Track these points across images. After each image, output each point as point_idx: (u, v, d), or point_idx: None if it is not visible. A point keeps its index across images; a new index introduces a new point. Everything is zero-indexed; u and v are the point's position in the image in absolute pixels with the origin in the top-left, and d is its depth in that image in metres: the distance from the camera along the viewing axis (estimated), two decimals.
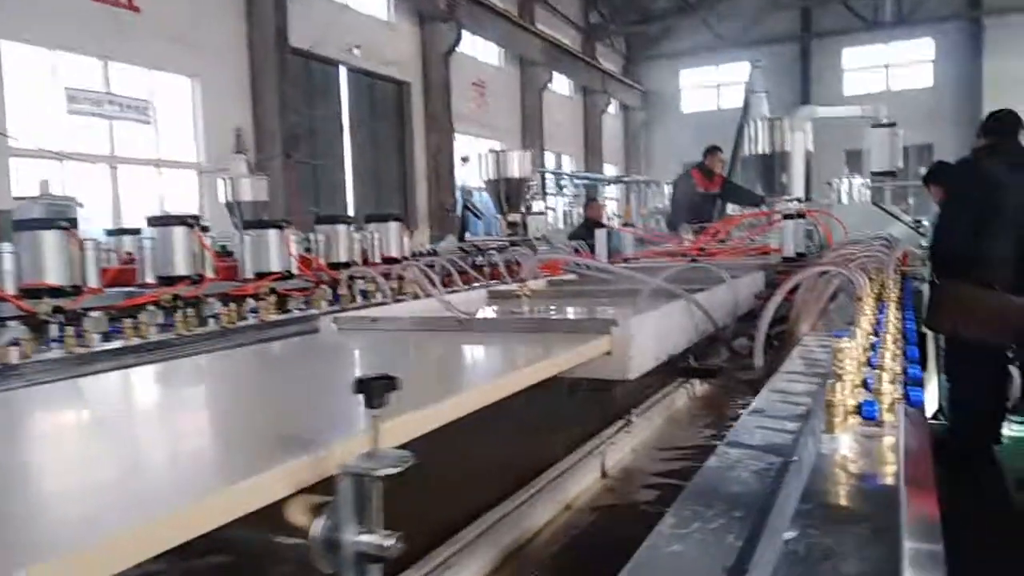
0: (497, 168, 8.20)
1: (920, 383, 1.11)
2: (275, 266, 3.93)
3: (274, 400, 1.16)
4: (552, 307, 2.29)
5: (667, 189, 10.78)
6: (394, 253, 4.92)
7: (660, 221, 12.88)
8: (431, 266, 3.59)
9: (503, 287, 2.98)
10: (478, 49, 19.82)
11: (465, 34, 17.74)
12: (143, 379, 1.47)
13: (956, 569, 0.68)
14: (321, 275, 4.24)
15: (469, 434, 1.24)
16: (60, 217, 3.24)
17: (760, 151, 6.56)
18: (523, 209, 8.54)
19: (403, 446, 0.99)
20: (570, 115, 24.79)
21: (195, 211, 12.13)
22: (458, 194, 11.37)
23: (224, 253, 4.30)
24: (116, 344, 2.30)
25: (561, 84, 24.04)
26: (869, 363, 1.17)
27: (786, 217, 3.82)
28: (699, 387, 1.93)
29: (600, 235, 4.44)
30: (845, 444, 0.87)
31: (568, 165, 24.97)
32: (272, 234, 3.92)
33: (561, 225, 17.57)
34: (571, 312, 2.32)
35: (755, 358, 1.72)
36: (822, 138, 20.53)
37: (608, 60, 26.61)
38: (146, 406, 1.21)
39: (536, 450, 1.37)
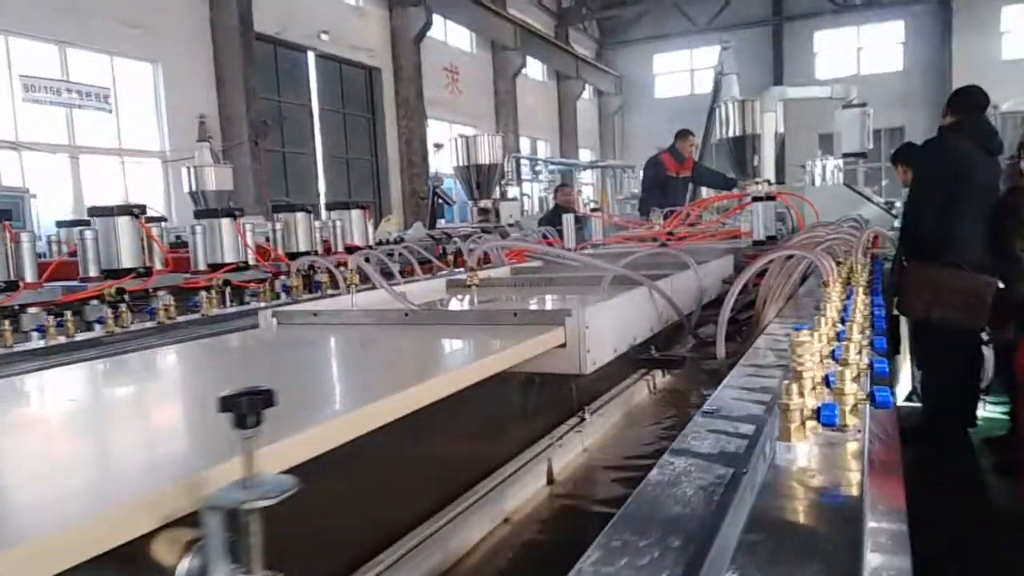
0: (467, 154, 8.07)
1: (887, 381, 1.01)
2: (229, 257, 3.78)
3: (164, 413, 1.03)
4: (505, 297, 2.18)
5: (641, 174, 10.76)
6: (357, 241, 4.78)
7: (635, 206, 12.81)
8: (391, 255, 3.46)
9: (463, 276, 2.86)
10: (449, 34, 19.57)
11: (436, 19, 17.49)
12: (24, 387, 1.32)
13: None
14: (280, 265, 4.10)
15: (396, 440, 1.12)
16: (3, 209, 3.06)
17: (731, 134, 6.48)
18: (494, 195, 8.42)
19: (316, 460, 0.87)
20: (544, 100, 24.62)
21: (160, 201, 11.89)
22: (428, 181, 11.17)
23: (179, 244, 4.13)
24: (37, 344, 2.15)
25: (535, 69, 23.84)
26: (833, 356, 1.07)
27: (755, 200, 3.72)
28: (661, 379, 1.83)
29: (567, 220, 4.34)
30: (802, 454, 0.76)
31: (543, 151, 24.82)
32: (225, 223, 3.76)
33: (536, 211, 17.47)
34: (524, 303, 2.20)
35: (717, 348, 1.62)
36: (795, 121, 20.60)
37: (582, 45, 26.44)
38: (10, 420, 1.05)
39: (476, 455, 1.26)
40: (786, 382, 0.78)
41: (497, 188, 18.04)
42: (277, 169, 14.26)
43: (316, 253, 4.38)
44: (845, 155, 6.28)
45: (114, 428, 0.96)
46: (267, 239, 4.21)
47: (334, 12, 15.37)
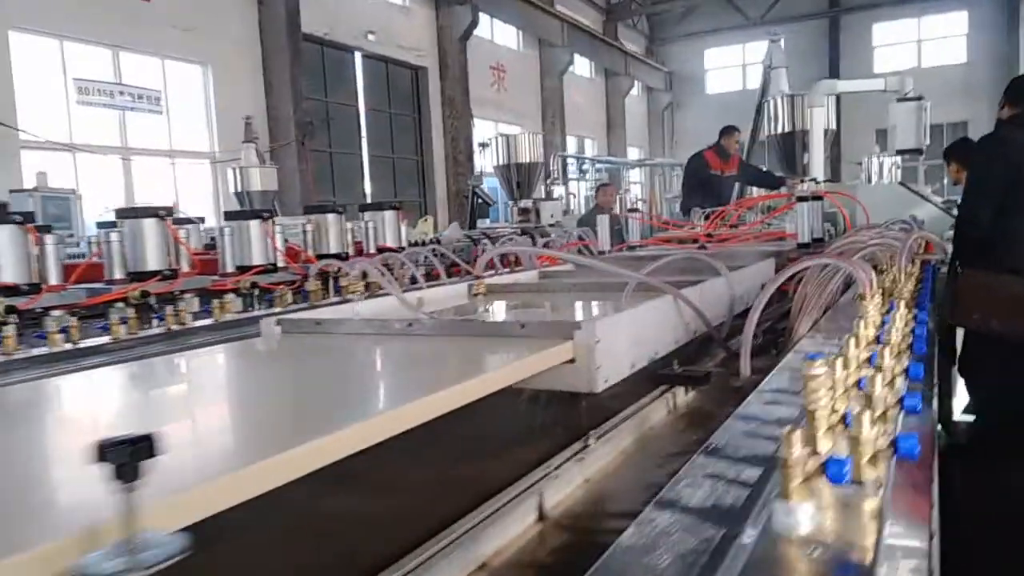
0: (507, 153, 7.96)
1: (919, 422, 0.87)
2: (257, 259, 3.74)
3: (76, 444, 0.94)
4: (524, 305, 2.06)
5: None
6: (390, 243, 4.71)
7: None
8: (415, 259, 3.38)
9: (489, 280, 2.75)
10: (496, 32, 19.50)
11: (482, 17, 17.43)
12: None
13: None
14: (309, 268, 4.05)
15: (365, 469, 1.02)
16: (23, 211, 3.07)
17: (780, 130, 6.24)
18: (535, 195, 8.30)
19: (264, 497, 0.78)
20: (592, 98, 24.38)
21: (208, 202, 12.09)
22: (469, 181, 11.11)
23: (211, 247, 4.12)
24: (40, 351, 2.11)
25: (582, 66, 23.63)
26: (859, 385, 0.93)
27: (800, 200, 3.53)
28: (683, 397, 1.69)
29: (602, 221, 4.19)
30: (806, 517, 0.63)
31: (590, 149, 24.59)
32: (253, 225, 3.72)
33: (582, 210, 17.29)
34: (537, 312, 2.08)
35: (742, 365, 1.48)
36: (851, 117, 20.00)
37: (631, 41, 26.12)
38: None
39: (458, 486, 1.15)
40: (787, 428, 0.64)
41: (542, 187, 17.96)
42: (324, 169, 14.37)
43: (346, 255, 4.33)
44: (899, 151, 5.98)
45: (27, 465, 0.87)
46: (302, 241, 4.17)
47: (381, 12, 15.44)
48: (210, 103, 12.29)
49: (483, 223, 10.77)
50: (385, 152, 16.33)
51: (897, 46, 23.79)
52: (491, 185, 12.46)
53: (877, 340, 1.17)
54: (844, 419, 0.77)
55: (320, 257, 4.19)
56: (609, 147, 24.97)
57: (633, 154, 25.81)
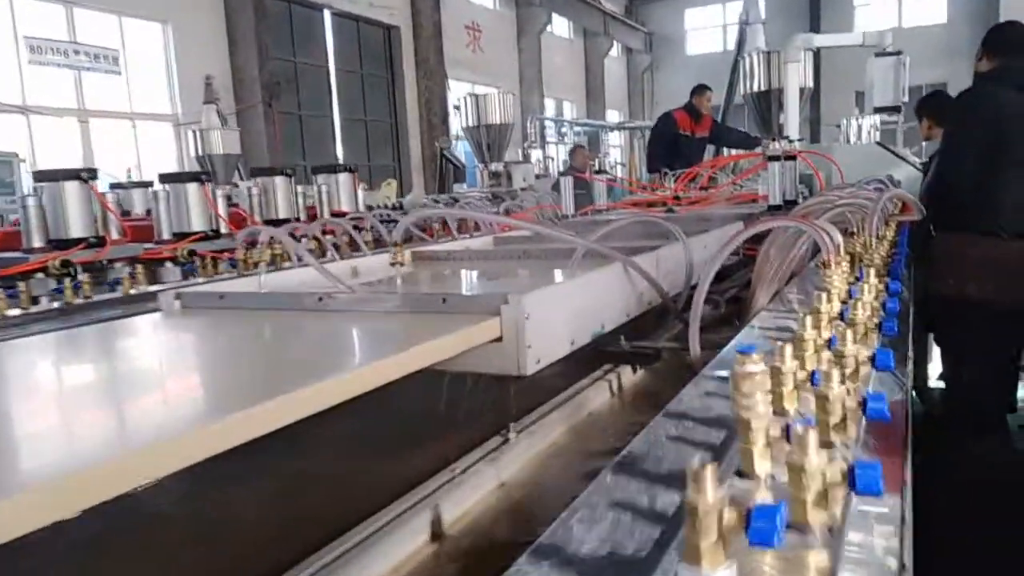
0: (477, 113, 7.66)
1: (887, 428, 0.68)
2: (196, 225, 3.50)
3: None
4: (449, 278, 1.86)
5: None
6: (346, 207, 4.47)
7: None
8: (357, 227, 3.16)
9: (429, 247, 2.55)
10: None
11: None
12: None
13: None
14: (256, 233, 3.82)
15: (233, 474, 0.82)
16: None
17: (755, 89, 6.01)
18: (508, 158, 8.03)
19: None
20: (571, 59, 23.92)
21: (172, 165, 11.69)
22: (438, 143, 10.80)
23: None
24: None
25: (561, 26, 23.14)
26: (813, 379, 0.74)
27: (770, 159, 3.33)
28: (630, 377, 1.51)
29: (565, 183, 3.98)
30: None
31: (569, 111, 24.23)
32: (191, 188, 3.48)
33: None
34: (462, 285, 1.87)
35: (691, 344, 1.29)
36: (831, 79, 19.75)
37: (610, 0, 25.60)
38: None
39: (340, 498, 0.96)
40: (695, 460, 0.45)
41: (519, 150, 17.64)
42: (293, 132, 13.96)
43: (298, 220, 4.09)
44: (877, 109, 5.77)
45: None
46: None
47: None
48: (171, 63, 11.83)
49: (461, 187, 10.50)
50: (357, 114, 15.90)
51: (877, 5, 23.50)
52: (468, 148, 12.17)
53: (841, 317, 0.98)
54: (787, 432, 0.59)
55: (268, 223, 3.95)
56: (588, 110, 24.61)
57: (613, 117, 25.48)
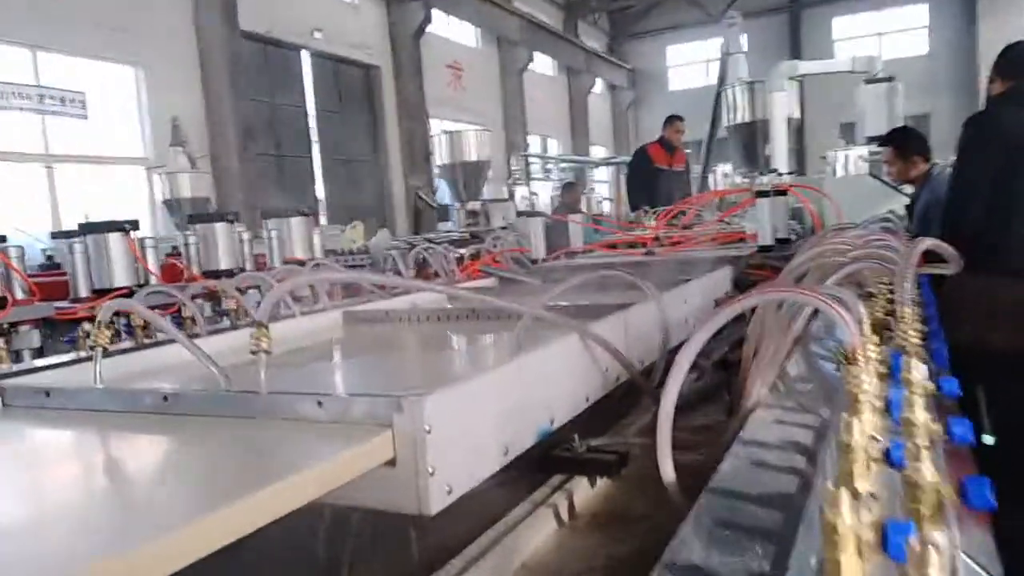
0: (451, 151, 7.37)
1: None
2: (120, 279, 3.13)
3: None
4: (335, 364, 1.47)
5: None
6: (299, 254, 4.11)
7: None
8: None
9: (364, 307, 2.18)
10: (452, 29, 18.90)
11: (437, 14, 16.82)
12: None
13: None
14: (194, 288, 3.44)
15: None
16: None
17: (739, 120, 5.73)
18: (486, 195, 7.73)
19: None
20: (554, 96, 23.86)
21: (144, 210, 11.32)
22: (411, 182, 10.50)
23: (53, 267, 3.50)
24: None
25: (544, 64, 23.10)
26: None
27: (759, 195, 2.99)
28: (587, 493, 1.13)
29: (534, 225, 3.63)
30: None
31: (554, 148, 24.10)
32: (114, 239, 3.11)
33: (547, 211, 16.73)
34: (350, 376, 1.47)
35: (661, 470, 0.90)
36: (815, 109, 19.70)
37: (592, 38, 25.68)
38: None
39: None
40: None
41: (504, 187, 17.42)
42: (270, 173, 13.65)
43: (242, 270, 3.73)
44: (870, 139, 5.47)
45: None
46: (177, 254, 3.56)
47: (327, 8, 14.76)
48: (143, 106, 11.53)
49: (447, 225, 10.18)
50: (338, 154, 15.63)
51: (858, 40, 23.60)
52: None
53: (887, 459, 0.61)
54: None
55: (207, 275, 3.59)
56: (573, 146, 24.50)
57: (597, 152, 25.38)
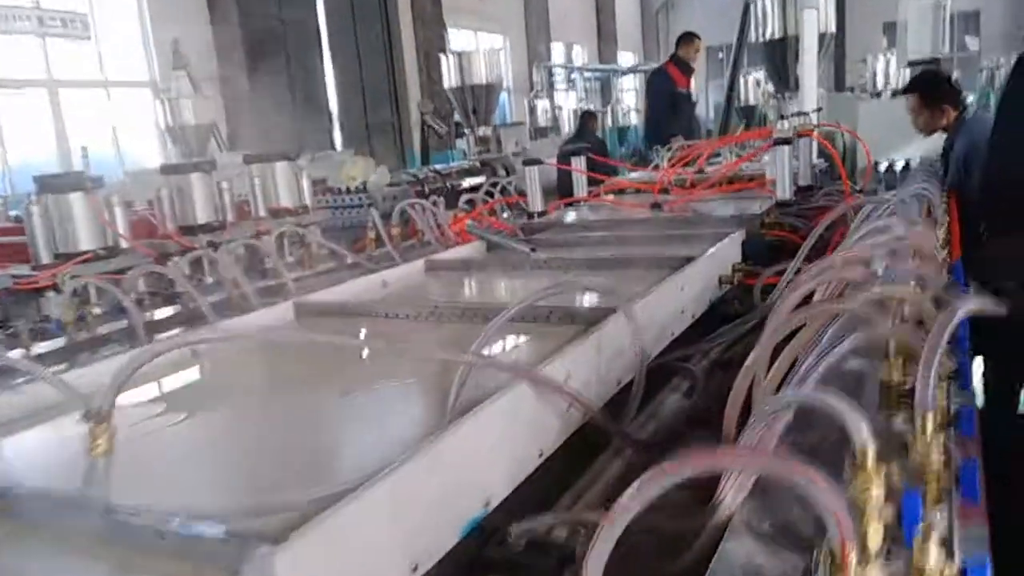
0: (460, 73, 6.94)
1: None
2: (84, 243, 2.91)
3: None
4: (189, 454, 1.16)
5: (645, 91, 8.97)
6: (286, 203, 3.85)
7: None
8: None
9: (316, 297, 1.94)
10: None
11: None
12: None
13: None
14: (168, 246, 3.24)
15: None
16: None
17: (769, 35, 5.23)
18: (494, 120, 7.31)
19: None
20: (579, 0, 22.72)
21: (152, 136, 11.06)
22: (418, 107, 10.05)
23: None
24: None
25: None
26: None
27: (778, 143, 2.64)
28: None
29: (531, 174, 3.28)
30: None
31: (579, 56, 23.14)
32: (74, 198, 2.88)
33: (568, 129, 16.13)
34: (202, 491, 1.14)
35: None
36: (856, 10, 18.48)
37: None
38: None
39: None
40: None
41: (525, 101, 16.77)
42: (282, 93, 13.21)
43: (222, 224, 3.49)
44: (911, 63, 4.95)
45: None
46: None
47: None
48: (146, 25, 11.11)
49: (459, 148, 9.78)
50: (352, 71, 15.07)
51: None
52: None
53: None
54: None
55: (184, 230, 3.36)
56: (600, 53, 23.51)
57: (625, 59, 24.36)
